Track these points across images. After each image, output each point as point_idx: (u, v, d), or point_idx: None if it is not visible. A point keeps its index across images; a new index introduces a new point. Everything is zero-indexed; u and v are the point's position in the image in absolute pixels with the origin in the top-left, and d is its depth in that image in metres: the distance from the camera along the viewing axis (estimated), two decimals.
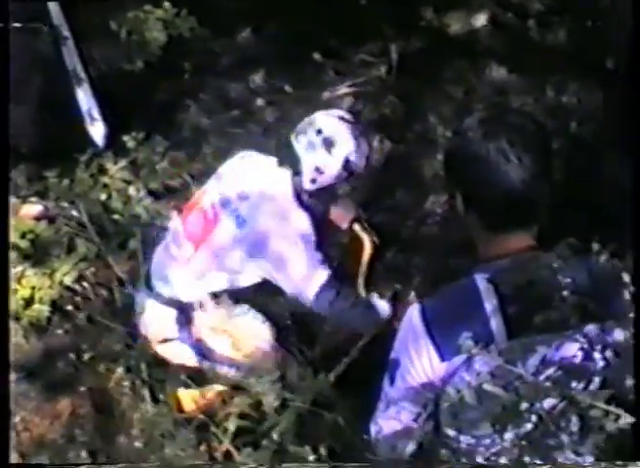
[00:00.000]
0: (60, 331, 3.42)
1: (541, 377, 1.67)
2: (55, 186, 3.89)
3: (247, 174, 3.25)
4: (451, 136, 2.00)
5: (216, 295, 3.18)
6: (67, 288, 3.49)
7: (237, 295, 3.20)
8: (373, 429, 1.99)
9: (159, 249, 3.39)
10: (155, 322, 3.26)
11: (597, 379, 1.65)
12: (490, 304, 1.74)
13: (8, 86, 2.74)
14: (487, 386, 1.67)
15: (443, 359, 1.76)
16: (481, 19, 4.67)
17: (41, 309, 3.45)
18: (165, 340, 3.24)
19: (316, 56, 4.55)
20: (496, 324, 1.71)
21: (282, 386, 2.82)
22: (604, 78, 4.42)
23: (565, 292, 1.76)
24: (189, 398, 3.18)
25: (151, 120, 4.26)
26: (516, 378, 1.67)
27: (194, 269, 3.20)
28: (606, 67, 4.46)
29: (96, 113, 4.11)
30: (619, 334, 1.70)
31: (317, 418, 2.55)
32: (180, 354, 3.23)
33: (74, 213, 3.75)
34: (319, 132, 3.12)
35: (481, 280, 1.78)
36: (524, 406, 1.68)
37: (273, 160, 3.25)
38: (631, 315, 1.73)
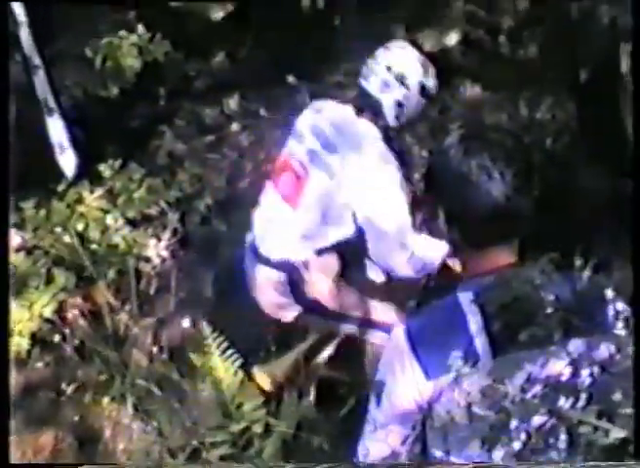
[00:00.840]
0: (40, 364, 3.45)
1: (529, 395, 1.72)
2: (31, 217, 3.88)
3: (327, 125, 3.24)
4: (431, 155, 2.03)
5: (321, 252, 3.21)
6: (47, 320, 3.47)
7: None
8: (360, 452, 1.98)
9: (256, 215, 3.36)
10: (267, 287, 3.27)
11: (584, 395, 1.70)
12: (474, 323, 1.76)
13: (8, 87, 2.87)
14: (476, 406, 1.70)
15: (429, 378, 1.77)
16: (453, 38, 4.73)
17: (20, 342, 3.47)
18: (279, 305, 3.29)
19: (290, 78, 4.58)
20: (481, 342, 1.73)
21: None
22: (577, 92, 4.50)
23: (549, 309, 1.79)
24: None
25: (127, 147, 4.30)
26: (504, 397, 1.72)
27: (296, 229, 3.20)
28: (579, 81, 4.51)
29: (66, 143, 4.10)
30: (604, 350, 1.73)
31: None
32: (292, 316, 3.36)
33: (52, 243, 3.86)
34: (389, 69, 3.15)
35: (465, 298, 1.80)
36: (513, 424, 1.71)
37: (349, 108, 3.25)
38: (615, 331, 1.76)
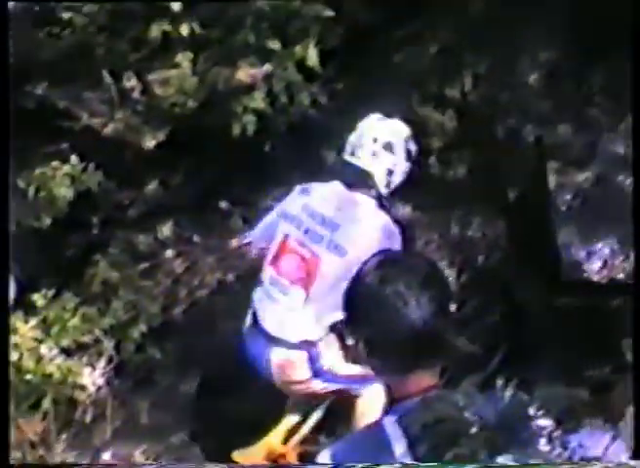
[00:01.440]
0: None
1: None
2: None
3: (321, 204, 3.44)
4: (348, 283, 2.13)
5: (333, 328, 3.34)
6: None
7: None
8: None
9: (258, 298, 3.49)
10: (287, 367, 3.39)
11: None
12: (399, 447, 1.78)
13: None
14: None
15: None
16: None
17: None
18: (300, 382, 3.43)
19: (223, 204, 4.73)
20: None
21: None
22: (506, 210, 4.64)
23: (473, 429, 1.86)
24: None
25: (61, 277, 4.41)
26: None
27: (313, 310, 3.33)
28: (507, 199, 4.67)
29: None
30: None
31: None
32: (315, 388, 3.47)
33: None
34: (375, 140, 3.38)
35: (389, 423, 1.81)
36: None
37: (337, 183, 3.46)
38: (539, 447, 1.83)
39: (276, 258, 3.50)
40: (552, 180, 4.47)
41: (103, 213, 4.60)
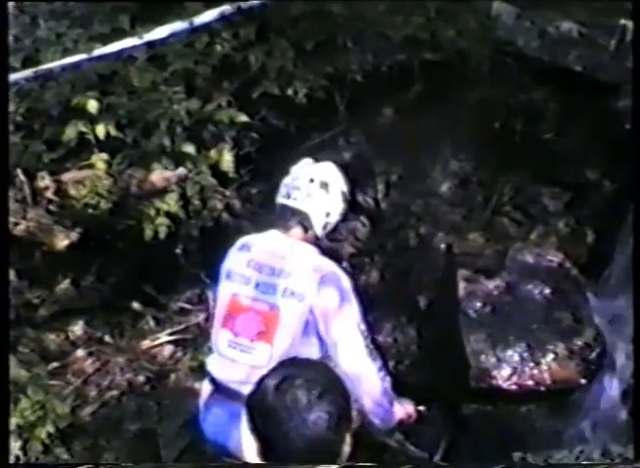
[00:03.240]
0: None
1: None
2: None
3: (264, 256, 4.02)
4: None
5: None
6: None
7: None
8: None
9: (215, 370, 4.08)
10: None
11: None
12: None
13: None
14: None
15: None
16: None
17: None
18: None
19: (135, 305, 5.36)
20: None
21: None
22: (417, 317, 5.42)
23: None
24: None
25: None
26: None
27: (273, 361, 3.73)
28: (418, 305, 5.50)
29: None
30: None
31: None
32: None
33: None
34: (312, 180, 4.03)
35: None
36: None
37: (275, 232, 4.07)
38: None
39: (229, 319, 4.00)
40: (462, 288, 5.16)
41: (13, 311, 5.03)
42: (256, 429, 2.54)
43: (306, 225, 4.12)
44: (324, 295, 3.96)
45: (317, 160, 4.36)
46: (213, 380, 4.17)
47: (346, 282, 4.05)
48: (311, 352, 3.98)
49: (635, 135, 4.88)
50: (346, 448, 2.58)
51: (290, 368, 2.64)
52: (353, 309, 4.05)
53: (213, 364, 4.19)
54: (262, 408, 2.49)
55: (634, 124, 4.97)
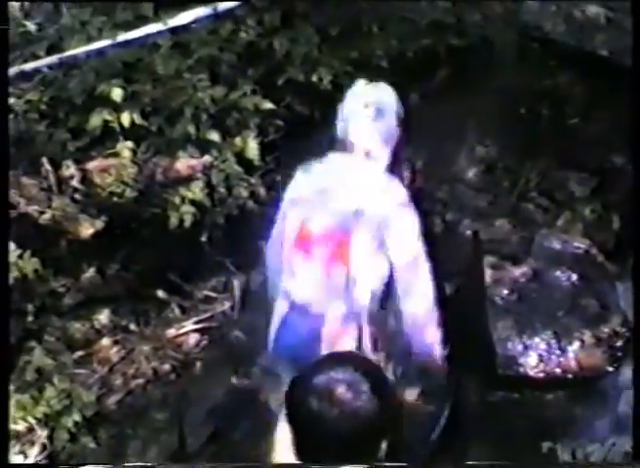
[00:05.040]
0: None
1: None
2: None
3: (329, 178, 4.20)
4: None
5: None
6: None
7: None
8: None
9: (289, 285, 4.25)
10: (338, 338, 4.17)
11: None
12: None
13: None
14: None
15: None
16: None
17: None
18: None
19: (160, 293, 5.38)
20: None
21: None
22: (443, 305, 5.66)
23: None
24: None
25: None
26: None
27: (354, 282, 4.11)
28: (445, 292, 5.24)
29: None
30: None
31: None
32: None
33: None
34: (366, 105, 4.14)
35: None
36: None
37: (336, 154, 4.24)
38: None
39: (302, 243, 4.15)
40: (489, 275, 5.26)
41: (39, 300, 5.11)
42: (293, 421, 2.60)
43: (366, 154, 4.19)
44: (398, 216, 4.13)
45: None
46: (289, 300, 4.31)
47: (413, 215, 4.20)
48: (383, 269, 4.15)
49: None
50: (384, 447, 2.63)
51: (334, 366, 2.66)
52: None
53: (288, 284, 4.29)
54: (304, 405, 2.56)
55: None
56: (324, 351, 4.04)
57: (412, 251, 4.16)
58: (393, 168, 4.29)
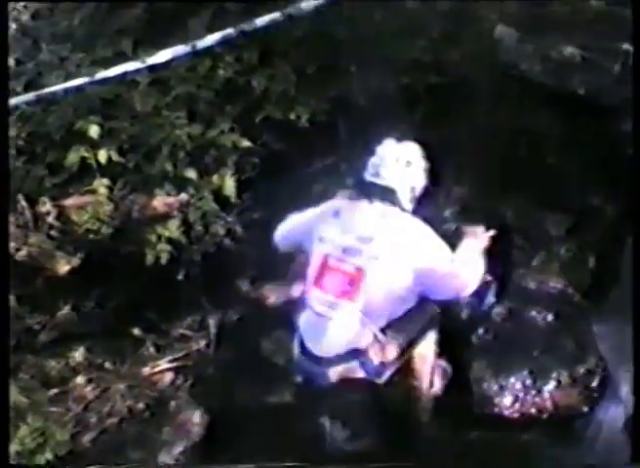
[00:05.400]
0: None
1: None
2: None
3: (353, 222, 4.60)
4: None
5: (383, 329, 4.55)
6: None
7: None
8: None
9: (304, 327, 4.71)
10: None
11: None
12: None
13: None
14: None
15: None
16: (297, 290, 5.26)
17: None
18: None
19: (136, 331, 5.39)
20: None
21: None
22: None
23: None
24: None
25: None
26: None
27: (360, 320, 4.52)
28: None
29: None
30: None
31: None
32: None
33: None
34: (397, 160, 4.63)
35: None
36: None
37: (364, 202, 4.64)
38: None
39: (319, 278, 4.55)
40: (465, 314, 5.22)
41: (14, 337, 5.13)
42: None
43: (393, 201, 4.64)
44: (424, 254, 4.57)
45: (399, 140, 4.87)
46: (301, 342, 4.76)
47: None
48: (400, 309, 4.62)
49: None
50: None
51: None
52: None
53: (303, 321, 4.77)
54: None
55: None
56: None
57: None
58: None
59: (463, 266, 4.69)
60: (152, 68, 5.67)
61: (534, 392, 5.08)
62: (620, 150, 5.95)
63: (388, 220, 4.59)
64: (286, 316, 5.44)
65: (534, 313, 5.33)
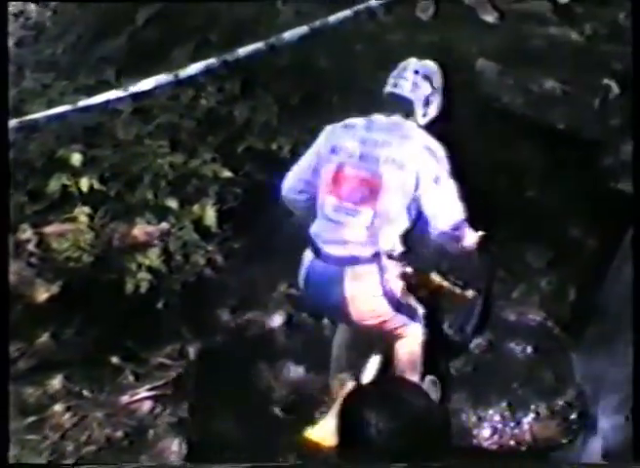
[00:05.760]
0: None
1: None
2: None
3: (369, 131, 4.69)
4: None
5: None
6: None
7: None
8: None
9: (318, 234, 4.71)
10: (360, 284, 4.62)
11: None
12: None
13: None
14: None
15: None
16: (277, 320, 5.65)
17: None
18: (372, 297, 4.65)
19: (115, 359, 5.36)
20: None
21: None
22: None
23: None
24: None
25: None
26: None
27: (381, 224, 4.59)
28: None
29: None
30: None
31: None
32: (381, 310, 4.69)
33: None
34: (416, 72, 4.78)
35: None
36: None
37: (378, 115, 4.75)
38: None
39: (334, 187, 4.60)
40: (451, 333, 5.31)
41: None
42: None
43: (408, 112, 4.75)
44: (428, 164, 4.62)
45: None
46: (314, 247, 4.77)
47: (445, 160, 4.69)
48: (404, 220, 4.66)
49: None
50: None
51: None
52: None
53: (317, 228, 4.77)
54: None
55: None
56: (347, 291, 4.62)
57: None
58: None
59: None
60: (135, 97, 5.75)
61: (512, 424, 5.13)
62: (601, 183, 6.04)
63: (403, 130, 4.70)
64: (266, 345, 5.53)
65: (513, 345, 5.39)
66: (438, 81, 4.83)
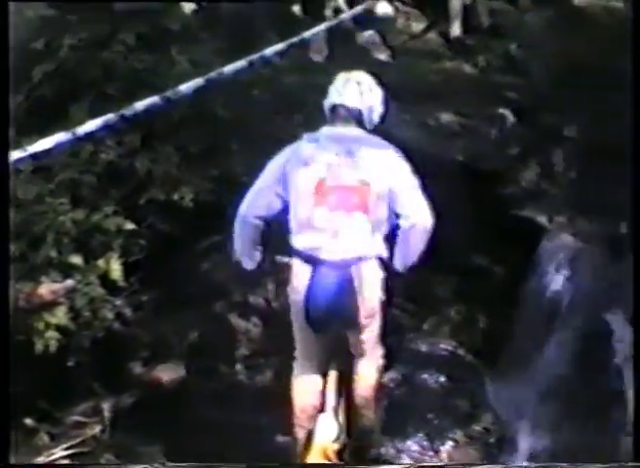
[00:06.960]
0: None
1: None
2: None
3: (335, 142, 4.85)
4: None
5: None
6: None
7: None
8: None
9: (311, 242, 4.81)
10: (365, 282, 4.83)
11: None
12: None
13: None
14: None
15: None
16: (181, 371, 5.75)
17: None
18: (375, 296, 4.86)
19: (28, 420, 5.39)
20: None
21: None
22: None
23: None
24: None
25: None
26: None
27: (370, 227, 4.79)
28: None
29: None
30: None
31: None
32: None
33: None
34: (359, 83, 4.97)
35: None
36: None
37: (329, 127, 4.94)
38: None
39: (321, 198, 4.79)
40: None
41: None
42: None
43: (358, 119, 4.93)
44: (398, 175, 4.85)
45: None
46: (312, 259, 4.86)
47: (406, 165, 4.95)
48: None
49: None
50: None
51: None
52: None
53: (308, 241, 4.88)
54: None
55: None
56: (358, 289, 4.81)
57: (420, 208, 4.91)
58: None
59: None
60: (34, 156, 5.81)
61: (431, 453, 5.23)
62: (503, 211, 6.23)
63: (365, 138, 4.92)
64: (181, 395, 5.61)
65: (426, 376, 5.49)
66: (376, 89, 5.03)
